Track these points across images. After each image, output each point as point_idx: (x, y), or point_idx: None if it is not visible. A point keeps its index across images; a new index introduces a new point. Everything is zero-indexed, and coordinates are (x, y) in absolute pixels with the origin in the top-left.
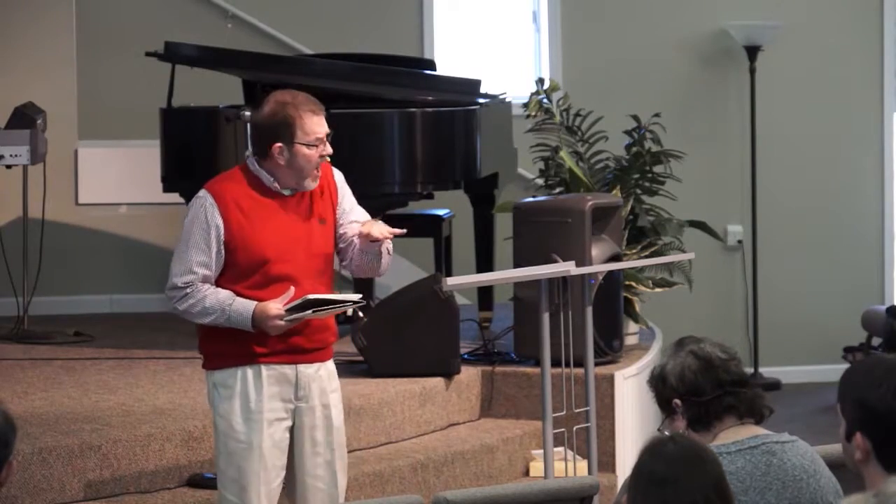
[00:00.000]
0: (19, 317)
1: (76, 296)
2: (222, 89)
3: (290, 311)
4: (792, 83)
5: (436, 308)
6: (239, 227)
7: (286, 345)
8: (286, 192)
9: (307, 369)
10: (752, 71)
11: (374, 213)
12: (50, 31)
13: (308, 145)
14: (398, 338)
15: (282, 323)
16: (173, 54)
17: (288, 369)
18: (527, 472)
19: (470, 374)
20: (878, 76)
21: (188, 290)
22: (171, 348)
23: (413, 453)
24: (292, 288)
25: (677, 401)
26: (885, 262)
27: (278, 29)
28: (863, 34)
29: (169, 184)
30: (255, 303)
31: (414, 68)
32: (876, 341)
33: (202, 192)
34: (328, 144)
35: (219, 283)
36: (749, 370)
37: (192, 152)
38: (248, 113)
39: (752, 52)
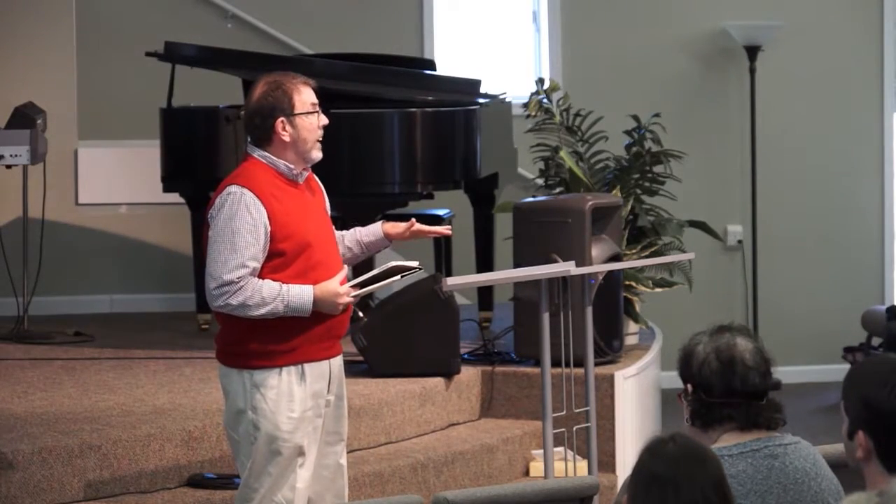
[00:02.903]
0: (19, 317)
1: (76, 296)
2: (222, 89)
3: (354, 286)
4: (792, 83)
5: (436, 308)
6: (283, 217)
7: (328, 331)
8: (300, 180)
9: (336, 361)
10: (752, 71)
11: (375, 213)
12: (50, 31)
13: (307, 114)
14: (398, 338)
15: (349, 299)
16: (173, 54)
17: (325, 364)
18: (527, 472)
19: (470, 374)
20: (878, 76)
21: (242, 284)
22: (171, 348)
23: (413, 453)
24: (346, 268)
25: (689, 386)
26: (885, 262)
27: (278, 29)
28: (863, 34)
29: (169, 184)
30: (311, 286)
31: (414, 68)
32: (876, 341)
33: (235, 189)
34: (323, 115)
35: (261, 276)
36: None
37: (192, 152)
38: None
39: (752, 52)
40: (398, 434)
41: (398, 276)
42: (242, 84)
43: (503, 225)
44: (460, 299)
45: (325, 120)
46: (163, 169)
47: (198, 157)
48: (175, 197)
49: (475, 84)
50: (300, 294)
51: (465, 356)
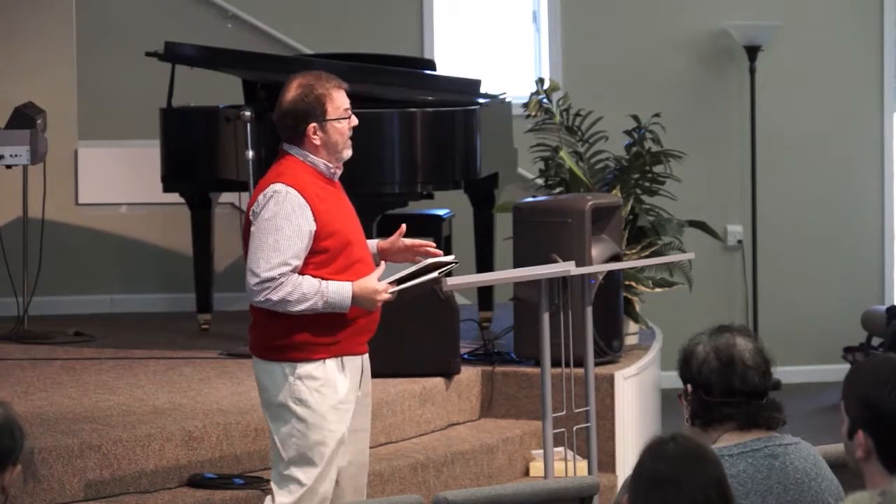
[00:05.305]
0: (19, 317)
1: (76, 296)
2: (222, 89)
3: (392, 283)
4: (792, 83)
5: (436, 308)
6: (326, 215)
7: (366, 326)
8: (336, 178)
9: (366, 358)
10: (752, 71)
11: (375, 213)
12: (50, 31)
13: (339, 119)
14: (398, 338)
15: (387, 296)
16: (173, 54)
17: (359, 360)
18: (527, 472)
19: (470, 374)
20: (878, 76)
21: (283, 280)
22: (171, 348)
23: (413, 453)
24: (383, 263)
25: (689, 386)
26: (885, 262)
27: (278, 29)
28: (863, 34)
29: (169, 184)
30: (349, 283)
31: (414, 68)
32: (876, 341)
33: (281, 187)
34: (353, 116)
35: (303, 272)
36: None
37: (192, 152)
38: (248, 113)
39: (752, 52)
40: (398, 434)
41: (436, 273)
42: (242, 84)
43: (503, 225)
44: (460, 299)
45: (355, 121)
46: (163, 169)
47: (198, 157)
48: (175, 197)
49: (475, 84)
50: (339, 291)
51: (465, 356)
